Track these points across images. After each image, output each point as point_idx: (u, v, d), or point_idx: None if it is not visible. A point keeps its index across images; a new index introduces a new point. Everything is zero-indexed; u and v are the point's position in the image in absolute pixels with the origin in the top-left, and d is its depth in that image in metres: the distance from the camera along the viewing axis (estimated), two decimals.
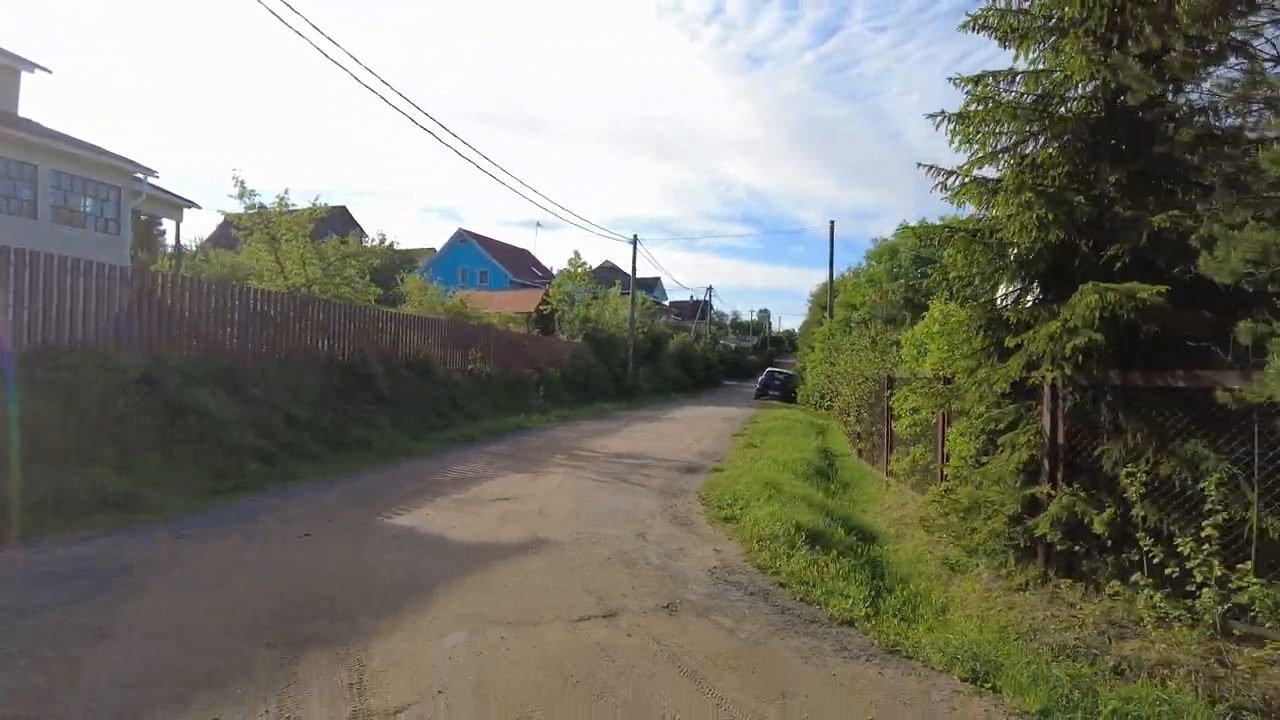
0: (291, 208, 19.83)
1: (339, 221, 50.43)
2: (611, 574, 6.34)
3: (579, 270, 33.61)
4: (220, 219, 30.90)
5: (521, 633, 4.93)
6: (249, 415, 11.74)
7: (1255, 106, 6.74)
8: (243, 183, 18.74)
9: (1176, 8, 6.03)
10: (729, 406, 30.03)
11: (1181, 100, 6.90)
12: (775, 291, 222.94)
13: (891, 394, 11.64)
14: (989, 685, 4.44)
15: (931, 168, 7.62)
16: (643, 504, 9.30)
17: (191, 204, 21.21)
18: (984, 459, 7.70)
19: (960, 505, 7.31)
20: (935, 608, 6.67)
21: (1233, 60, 6.97)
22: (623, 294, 36.99)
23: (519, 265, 51.34)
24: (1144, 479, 5.83)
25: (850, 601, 5.98)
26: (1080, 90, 7.28)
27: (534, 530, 7.69)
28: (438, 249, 51.18)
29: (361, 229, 50.05)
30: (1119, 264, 6.45)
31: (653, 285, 65.37)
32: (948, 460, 8.73)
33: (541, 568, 6.43)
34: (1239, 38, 7.36)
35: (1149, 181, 6.81)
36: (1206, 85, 7.32)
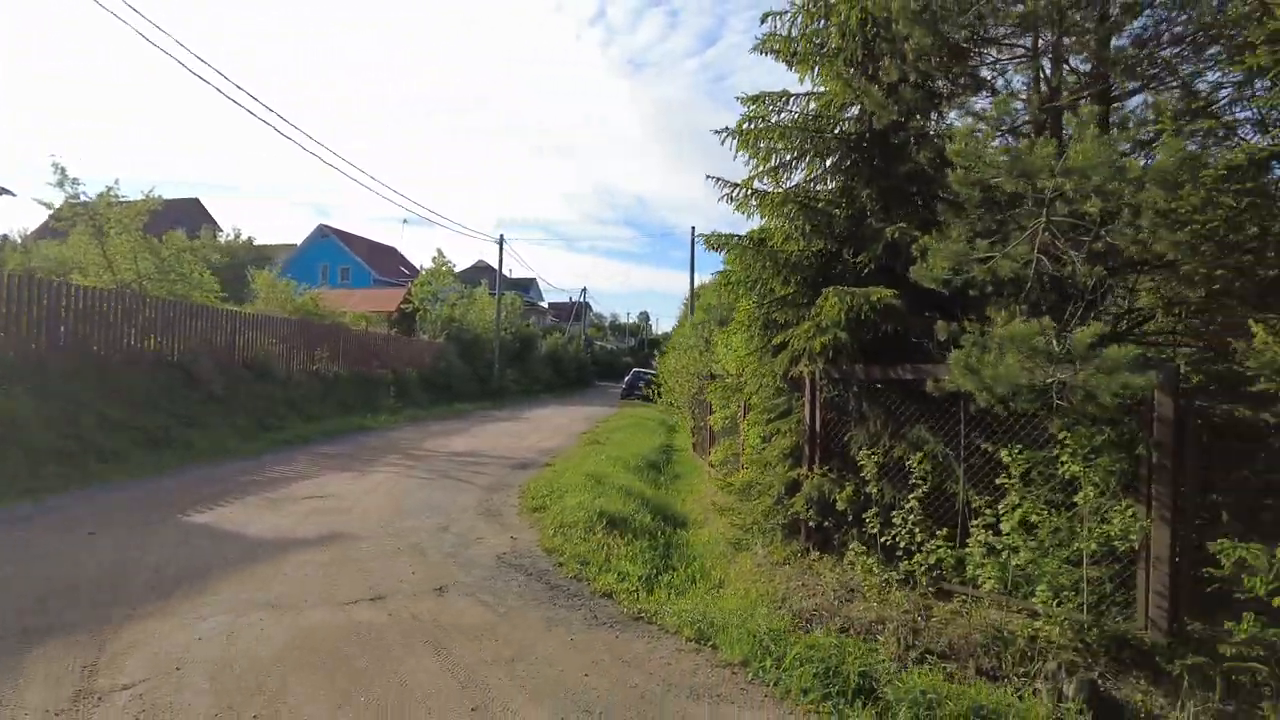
0: (121, 199, 18.75)
1: (190, 214, 47.78)
2: (397, 563, 6.57)
3: (443, 269, 33.22)
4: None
5: (283, 615, 5.11)
6: (56, 416, 11.20)
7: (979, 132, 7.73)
8: (63, 169, 17.51)
9: (905, 45, 6.85)
10: (593, 406, 30.48)
11: (929, 125, 7.78)
12: (660, 294, 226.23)
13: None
14: (710, 644, 4.98)
15: (719, 180, 8.23)
16: (460, 499, 9.53)
17: (4, 191, 19.73)
18: (765, 447, 8.40)
19: (735, 489, 7.98)
20: (713, 582, 7.25)
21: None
22: (492, 294, 36.84)
23: (385, 263, 50.11)
24: (880, 460, 6.61)
25: (614, 576, 6.45)
26: (846, 113, 8.06)
27: (335, 526, 7.79)
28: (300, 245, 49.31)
29: (215, 223, 47.60)
30: (866, 270, 7.23)
31: (528, 286, 65.22)
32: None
33: (329, 559, 6.58)
34: (987, 75, 8.41)
35: (901, 197, 7.63)
36: (954, 113, 8.34)
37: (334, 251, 47.76)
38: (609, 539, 7.77)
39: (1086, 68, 7.51)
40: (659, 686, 4.29)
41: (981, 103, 8.05)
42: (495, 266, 37.71)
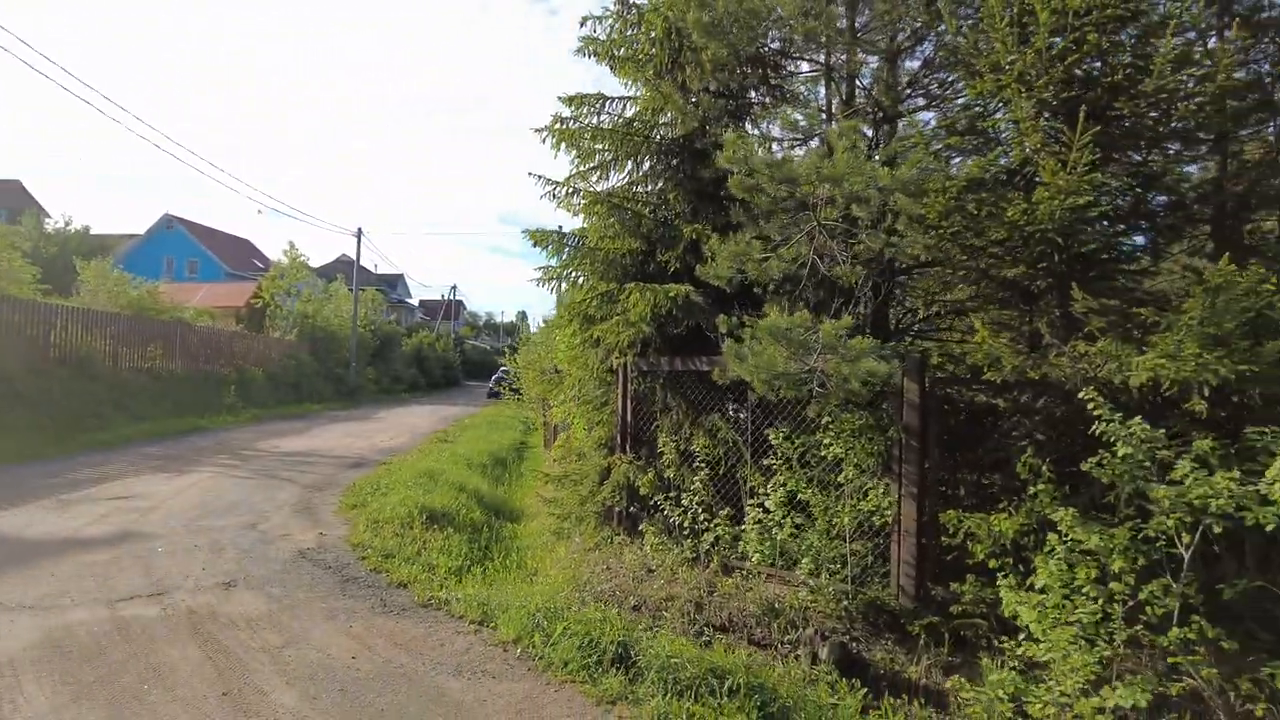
0: None
1: (9, 197, 43.72)
2: (189, 560, 6.36)
3: (296, 262, 31.81)
4: None
5: (41, 615, 4.88)
6: None
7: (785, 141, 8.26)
8: None
9: (703, 56, 7.24)
10: (454, 406, 30.03)
11: (729, 133, 8.21)
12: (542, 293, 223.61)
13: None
14: (491, 625, 5.13)
15: (541, 177, 8.39)
16: (279, 498, 9.26)
17: None
18: (588, 438, 8.65)
19: (555, 479, 8.19)
20: (529, 571, 7.42)
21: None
22: (351, 289, 35.54)
23: (238, 256, 47.48)
24: (679, 446, 6.96)
25: (419, 568, 6.50)
26: (661, 118, 8.41)
27: (132, 526, 7.43)
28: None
29: (42, 208, 43.73)
30: (673, 268, 7.58)
31: (395, 282, 63.39)
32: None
33: (112, 558, 6.29)
34: (802, 90, 8.96)
35: (706, 200, 8.03)
36: (775, 124, 8.84)
37: (181, 243, 44.84)
38: (426, 534, 7.78)
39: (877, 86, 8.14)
40: (425, 666, 4.40)
41: (795, 114, 8.58)
42: (362, 264, 36.51)
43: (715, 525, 6.13)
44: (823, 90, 8.51)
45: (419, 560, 6.84)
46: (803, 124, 8.45)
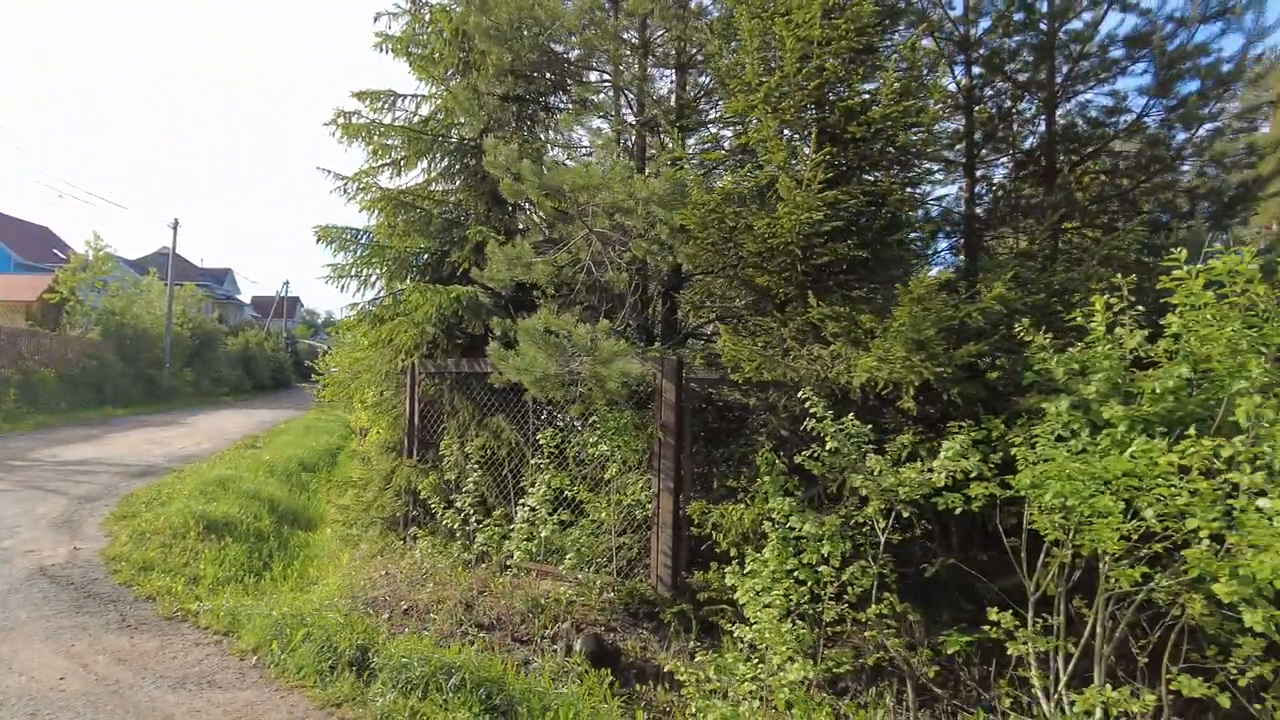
0: None
1: None
2: None
3: (99, 253, 29.07)
4: None
5: None
6: None
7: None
8: None
9: (488, 60, 7.31)
10: (280, 410, 28.50)
11: (519, 137, 8.32)
12: None
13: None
14: (236, 635, 4.96)
15: (330, 172, 8.18)
16: (38, 510, 8.50)
17: None
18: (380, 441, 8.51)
19: (346, 484, 8.01)
20: (310, 580, 7.20)
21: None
22: (175, 284, 32.88)
23: (36, 246, 42.81)
24: (463, 448, 6.97)
25: (181, 580, 6.18)
26: (457, 119, 8.38)
27: None
28: None
29: None
30: (463, 269, 7.59)
31: (223, 277, 59.29)
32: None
33: None
34: (607, 99, 9.15)
35: (498, 202, 8.08)
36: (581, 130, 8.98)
37: None
38: (201, 544, 7.39)
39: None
40: (145, 680, 4.21)
41: (594, 121, 8.77)
42: (185, 257, 33.90)
43: (485, 526, 6.21)
44: (627, 99, 8.77)
45: (184, 572, 6.49)
46: (607, 131, 8.67)
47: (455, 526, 6.43)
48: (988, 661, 4.60)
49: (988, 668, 4.61)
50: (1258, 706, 4.23)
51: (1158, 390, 4.23)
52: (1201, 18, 7.60)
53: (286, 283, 73.92)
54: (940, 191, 10.40)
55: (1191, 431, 4.02)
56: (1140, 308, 4.66)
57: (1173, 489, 3.89)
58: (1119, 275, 4.79)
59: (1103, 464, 3.99)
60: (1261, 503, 3.68)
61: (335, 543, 8.27)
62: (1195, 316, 4.10)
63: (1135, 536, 4.05)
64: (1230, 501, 3.80)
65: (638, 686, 5.13)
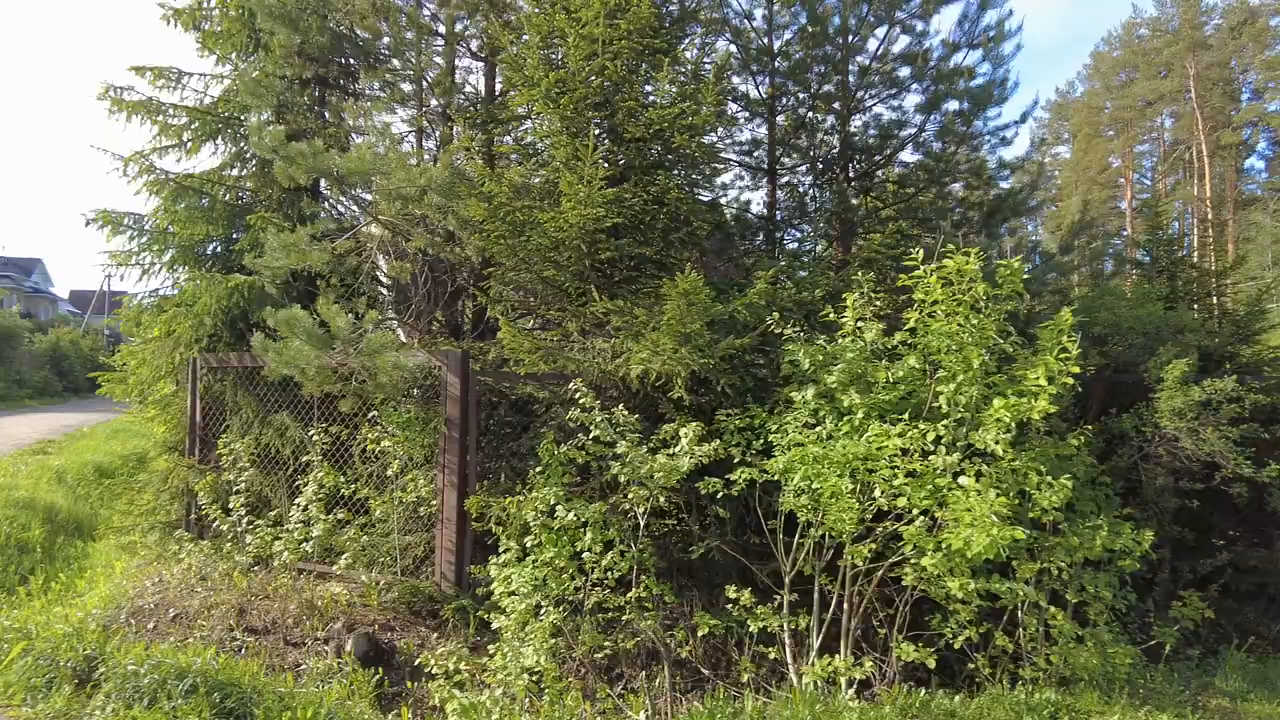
0: None
1: None
2: None
3: None
4: None
5: None
6: None
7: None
8: None
9: (273, 41, 6.98)
10: (90, 413, 25.97)
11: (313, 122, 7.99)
12: None
13: None
14: None
15: (107, 151, 7.56)
16: None
17: None
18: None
19: (120, 489, 7.46)
20: (79, 592, 6.64)
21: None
22: None
23: None
24: (242, 448, 6.62)
25: None
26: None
27: None
28: None
29: None
30: (248, 254, 7.21)
31: (31, 268, 53.66)
32: None
33: None
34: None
35: (299, 188, 7.73)
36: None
37: None
38: None
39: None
40: None
41: (402, 111, 8.53)
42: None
43: (257, 528, 5.94)
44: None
45: None
46: (397, 120, 8.45)
47: (229, 529, 6.11)
48: (767, 643, 4.77)
49: (764, 649, 4.78)
50: (970, 666, 4.69)
51: (890, 380, 4.60)
52: (968, 43, 8.34)
53: (108, 275, 67.44)
54: (750, 195, 10.92)
55: (905, 416, 4.40)
56: (878, 304, 5.05)
57: (894, 471, 4.24)
58: (863, 274, 5.18)
59: (840, 448, 4.29)
60: (963, 480, 4.07)
61: (114, 551, 7.69)
62: (929, 311, 4.47)
63: (870, 517, 4.39)
64: (939, 480, 4.19)
65: (409, 684, 5.06)
